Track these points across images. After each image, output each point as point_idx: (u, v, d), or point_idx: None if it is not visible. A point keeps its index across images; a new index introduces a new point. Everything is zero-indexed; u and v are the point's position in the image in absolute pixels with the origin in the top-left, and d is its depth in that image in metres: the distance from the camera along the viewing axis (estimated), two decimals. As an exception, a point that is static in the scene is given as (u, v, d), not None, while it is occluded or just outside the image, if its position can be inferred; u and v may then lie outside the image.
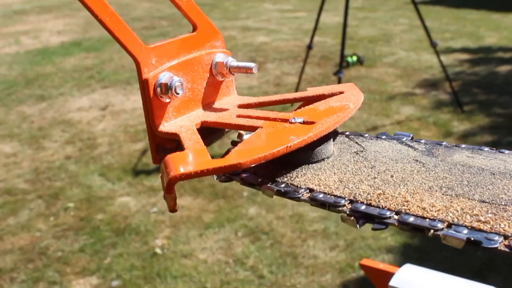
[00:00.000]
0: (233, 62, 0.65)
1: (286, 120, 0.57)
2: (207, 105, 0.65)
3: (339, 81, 3.76)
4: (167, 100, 0.59)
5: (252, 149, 0.50)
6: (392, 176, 0.52)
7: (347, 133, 0.64)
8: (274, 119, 0.58)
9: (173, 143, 0.60)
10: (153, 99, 0.58)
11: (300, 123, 0.56)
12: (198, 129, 0.59)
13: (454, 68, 5.21)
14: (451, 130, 3.92)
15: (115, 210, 3.10)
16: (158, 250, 2.72)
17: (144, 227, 2.92)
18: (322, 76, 5.12)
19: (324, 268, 2.52)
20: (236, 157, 0.49)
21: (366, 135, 0.63)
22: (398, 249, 2.61)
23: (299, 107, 0.65)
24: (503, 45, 6.05)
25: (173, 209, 0.53)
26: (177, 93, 0.58)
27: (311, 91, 0.66)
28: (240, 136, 0.62)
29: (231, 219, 2.93)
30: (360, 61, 5.42)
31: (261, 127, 0.56)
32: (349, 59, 5.32)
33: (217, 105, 0.66)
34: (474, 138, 3.80)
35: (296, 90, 4.44)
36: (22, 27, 8.16)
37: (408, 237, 2.67)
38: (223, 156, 0.55)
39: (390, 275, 1.08)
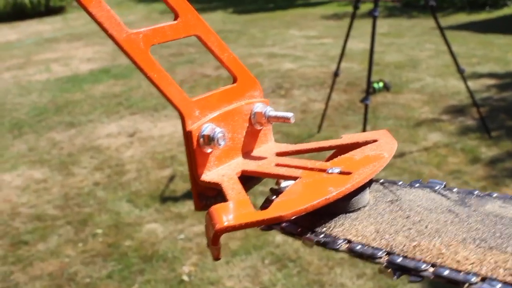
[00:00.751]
0: (271, 111, 0.67)
1: (323, 170, 0.58)
2: (246, 153, 0.66)
3: (366, 108, 3.76)
4: (209, 150, 0.61)
5: (292, 201, 0.52)
6: (426, 227, 0.53)
7: (381, 180, 0.65)
8: (312, 169, 0.59)
9: (214, 190, 0.62)
10: (196, 150, 0.60)
11: (337, 173, 0.57)
12: (238, 177, 0.61)
13: (481, 94, 5.18)
14: (479, 156, 3.88)
15: (142, 237, 3.12)
16: (185, 277, 2.73)
17: (172, 253, 2.94)
18: (349, 103, 5.12)
19: (351, 298, 2.50)
20: (278, 209, 0.50)
21: (400, 182, 0.64)
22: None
23: (334, 154, 0.66)
24: (531, 70, 6.00)
25: (217, 258, 0.55)
26: (219, 144, 0.60)
27: (346, 139, 0.67)
28: (278, 183, 0.64)
29: (258, 246, 2.93)
30: (386, 87, 5.41)
31: (300, 177, 0.57)
32: (376, 85, 5.31)
33: (255, 153, 0.67)
34: (502, 164, 3.75)
35: (323, 117, 4.45)
36: (53, 55, 8.34)
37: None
38: (262, 205, 0.56)
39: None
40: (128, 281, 2.75)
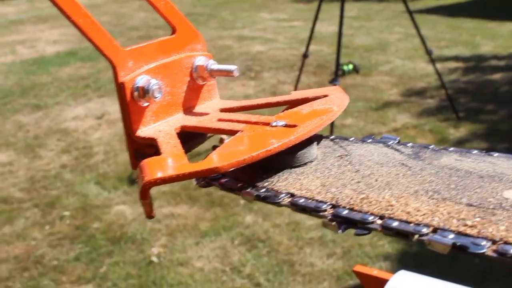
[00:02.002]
0: (214, 65, 0.64)
1: (267, 124, 0.56)
2: (188, 110, 0.63)
3: (335, 89, 3.75)
4: (145, 104, 0.58)
5: (231, 153, 0.49)
6: (376, 180, 0.51)
7: (332, 137, 0.62)
8: (256, 123, 0.57)
9: (152, 148, 0.58)
10: (130, 103, 0.56)
11: (281, 126, 0.54)
12: (178, 135, 0.57)
13: (450, 76, 5.22)
14: (447, 137, 3.92)
15: (111, 219, 3.09)
16: (154, 259, 2.71)
17: (140, 235, 2.91)
18: (318, 85, 5.12)
19: (321, 276, 2.51)
20: (214, 161, 0.48)
21: (352, 138, 0.62)
22: (395, 257, 2.61)
23: (283, 111, 0.64)
24: (498, 53, 6.07)
25: (149, 215, 0.51)
26: (155, 97, 0.57)
27: (295, 95, 0.65)
28: (221, 141, 0.61)
29: (228, 227, 2.92)
30: (356, 70, 5.43)
31: (242, 131, 0.55)
32: (345, 67, 5.33)
33: (198, 109, 0.64)
34: (470, 144, 3.80)
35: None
36: (18, 37, 8.16)
37: (406, 245, 2.66)
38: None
39: (384, 281, 1.07)
40: (96, 263, 2.72)
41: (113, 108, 4.82)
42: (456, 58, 5.87)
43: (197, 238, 2.85)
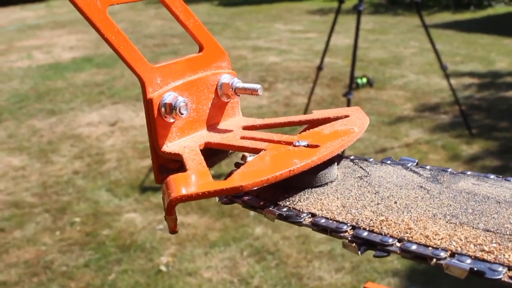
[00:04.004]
0: (238, 83, 0.64)
1: (290, 143, 0.56)
2: (212, 126, 0.64)
3: (348, 103, 3.76)
4: (171, 120, 0.59)
5: (254, 172, 0.49)
6: (395, 203, 0.51)
7: (351, 157, 0.63)
8: (278, 142, 0.57)
9: (176, 163, 0.59)
10: (157, 119, 0.58)
11: (304, 146, 0.55)
12: (201, 150, 0.58)
13: (464, 92, 5.20)
14: (459, 154, 3.90)
15: (121, 226, 3.10)
16: (163, 268, 2.71)
17: (150, 244, 2.91)
18: (332, 97, 5.12)
19: (329, 290, 2.50)
20: (238, 179, 0.48)
21: (371, 159, 0.62)
22: (404, 273, 2.59)
23: (304, 130, 0.65)
24: (514, 70, 6.04)
25: (173, 230, 0.52)
26: (182, 113, 0.58)
27: (317, 114, 0.65)
28: (244, 158, 0.61)
29: (237, 238, 2.92)
30: (369, 83, 5.42)
31: (265, 150, 0.55)
32: (359, 80, 5.32)
33: (221, 126, 0.65)
34: (482, 162, 3.78)
35: (305, 111, 4.45)
36: (35, 42, 8.24)
37: (415, 261, 2.64)
38: (226, 178, 0.54)
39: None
40: (105, 270, 2.72)
41: (127, 115, 4.85)
42: (471, 74, 5.85)
43: (206, 248, 2.85)
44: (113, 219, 3.17)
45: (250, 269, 2.67)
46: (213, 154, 0.62)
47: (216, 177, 0.53)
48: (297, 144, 0.55)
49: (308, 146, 0.55)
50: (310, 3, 11.43)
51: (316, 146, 0.54)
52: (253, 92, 0.64)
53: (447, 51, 6.69)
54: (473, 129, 4.25)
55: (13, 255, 2.89)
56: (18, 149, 4.26)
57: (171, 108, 0.57)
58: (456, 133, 4.27)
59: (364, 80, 5.39)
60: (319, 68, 4.25)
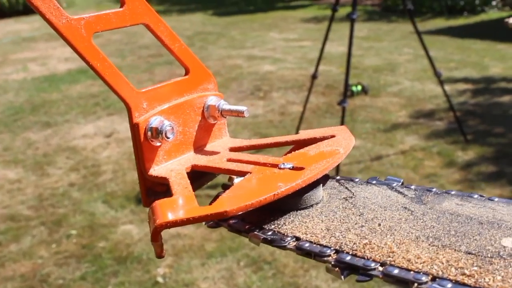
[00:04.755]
0: (225, 105, 0.65)
1: (275, 165, 0.57)
2: (199, 148, 0.65)
3: (343, 111, 3.77)
4: (158, 144, 0.59)
5: (239, 196, 0.50)
6: (379, 225, 0.51)
7: (337, 177, 0.63)
8: (264, 164, 0.58)
9: (163, 186, 0.60)
10: (144, 143, 0.58)
11: (289, 168, 0.55)
12: (188, 173, 0.59)
13: (458, 98, 5.22)
14: (455, 160, 3.91)
15: (117, 238, 3.09)
16: (160, 279, 2.71)
17: (146, 255, 2.91)
18: (327, 105, 5.14)
19: (326, 300, 2.50)
20: (223, 205, 0.49)
21: (357, 179, 0.63)
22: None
23: (291, 151, 0.65)
24: (507, 75, 6.06)
25: (159, 255, 0.53)
26: (168, 137, 0.59)
27: (303, 135, 0.66)
28: (231, 179, 0.62)
29: (234, 249, 2.91)
30: (364, 91, 5.44)
31: (250, 172, 0.56)
32: (354, 88, 5.34)
33: (208, 148, 0.66)
34: (478, 168, 3.79)
35: (301, 119, 4.45)
36: (30, 54, 8.24)
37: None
38: (211, 202, 0.55)
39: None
40: (102, 283, 2.72)
41: (122, 126, 4.85)
42: (465, 80, 5.87)
43: (203, 259, 2.85)
44: (109, 231, 3.17)
45: (247, 279, 2.67)
46: (200, 176, 0.63)
47: (203, 196, 0.53)
48: (282, 166, 0.56)
49: (293, 168, 0.55)
50: (304, 11, 11.47)
51: (301, 169, 0.54)
52: (239, 114, 0.64)
53: (441, 57, 6.71)
54: (468, 135, 4.27)
55: (9, 268, 2.88)
56: (13, 161, 4.26)
57: (157, 132, 0.58)
58: (452, 139, 4.28)
59: (359, 87, 5.41)
60: (314, 76, 4.26)
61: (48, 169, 4.09)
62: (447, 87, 4.74)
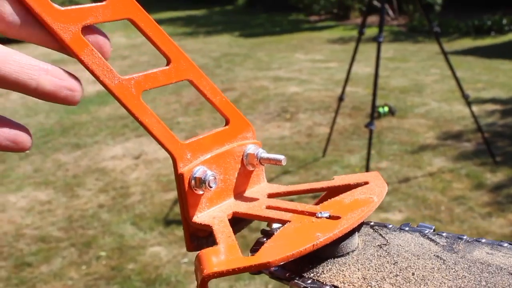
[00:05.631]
0: (263, 153, 0.68)
1: (313, 214, 0.59)
2: (238, 194, 0.68)
3: (371, 133, 3.77)
4: (201, 192, 0.62)
5: (280, 247, 0.53)
6: (413, 274, 0.53)
7: (371, 223, 0.65)
8: (302, 212, 0.60)
9: (205, 231, 0.63)
10: (188, 192, 0.61)
11: (326, 217, 0.58)
12: (229, 219, 0.62)
13: (486, 119, 5.18)
14: (484, 182, 3.88)
15: (146, 260, 3.13)
16: (187, 303, 2.73)
17: (175, 277, 2.94)
18: (353, 127, 5.14)
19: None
20: (266, 255, 0.51)
21: (390, 225, 0.64)
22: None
23: (325, 196, 0.67)
24: (537, 95, 6.01)
25: None
26: (211, 187, 0.62)
27: (337, 181, 0.68)
28: (270, 225, 0.65)
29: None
30: (391, 112, 5.43)
31: (289, 221, 0.59)
32: (381, 109, 5.33)
33: (247, 194, 0.68)
34: (507, 190, 3.75)
35: (328, 141, 4.47)
36: (61, 75, 8.39)
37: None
38: (252, 247, 0.57)
39: None
40: (131, 305, 2.75)
41: (151, 148, 4.91)
42: (493, 101, 5.82)
43: (231, 282, 2.87)
44: (138, 253, 3.21)
45: (274, 304, 2.67)
46: (239, 220, 0.66)
47: (238, 236, 0.56)
48: (319, 215, 0.58)
49: (330, 217, 0.58)
50: (330, 32, 11.51)
51: (338, 218, 0.57)
52: (277, 162, 0.67)
53: (468, 77, 6.68)
54: (497, 156, 4.23)
55: (40, 290, 2.93)
56: (44, 183, 4.34)
57: (201, 182, 0.61)
58: (480, 161, 4.25)
59: (386, 109, 5.40)
60: (341, 98, 4.28)
61: (78, 190, 4.16)
62: (475, 108, 4.72)
